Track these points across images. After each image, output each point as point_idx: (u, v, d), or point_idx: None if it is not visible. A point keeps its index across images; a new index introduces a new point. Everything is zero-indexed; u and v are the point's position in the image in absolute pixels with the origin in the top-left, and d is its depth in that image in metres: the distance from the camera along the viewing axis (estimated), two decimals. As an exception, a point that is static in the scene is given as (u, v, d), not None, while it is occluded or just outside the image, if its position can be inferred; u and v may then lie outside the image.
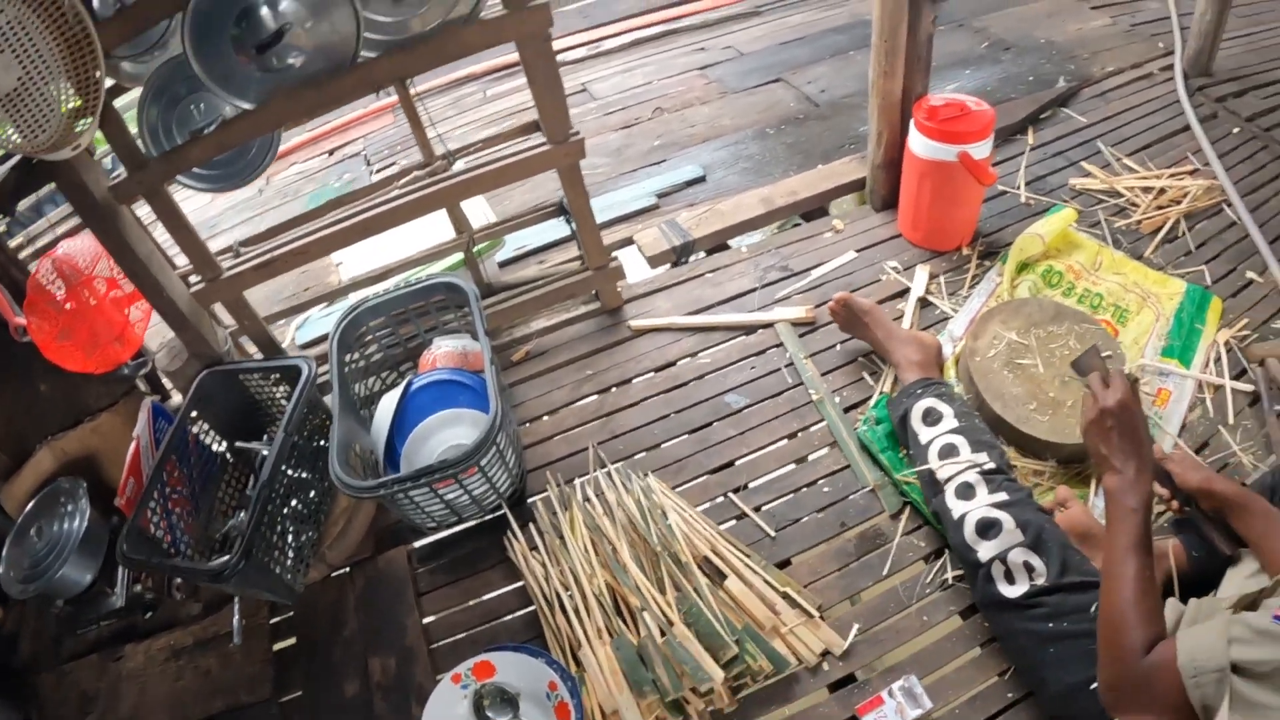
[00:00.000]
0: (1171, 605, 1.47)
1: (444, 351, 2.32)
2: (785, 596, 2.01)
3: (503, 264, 2.99)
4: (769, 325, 2.65)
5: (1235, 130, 3.85)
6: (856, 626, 1.97)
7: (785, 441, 2.39)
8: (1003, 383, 2.32)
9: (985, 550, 1.86)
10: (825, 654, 1.94)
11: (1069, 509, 2.05)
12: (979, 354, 2.38)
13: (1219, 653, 1.13)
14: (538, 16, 1.94)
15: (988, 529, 1.88)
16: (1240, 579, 1.55)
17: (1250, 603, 1.30)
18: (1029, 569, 1.79)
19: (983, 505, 1.92)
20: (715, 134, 3.72)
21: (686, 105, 3.99)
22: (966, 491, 1.97)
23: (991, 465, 2.00)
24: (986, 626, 1.94)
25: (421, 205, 2.23)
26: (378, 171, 3.93)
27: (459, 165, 2.40)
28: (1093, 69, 4.19)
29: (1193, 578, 1.77)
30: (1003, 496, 1.92)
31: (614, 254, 2.80)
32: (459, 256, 2.60)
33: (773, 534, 2.17)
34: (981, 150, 2.60)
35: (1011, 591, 1.80)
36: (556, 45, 4.46)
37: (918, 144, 2.65)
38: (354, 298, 2.51)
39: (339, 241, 2.24)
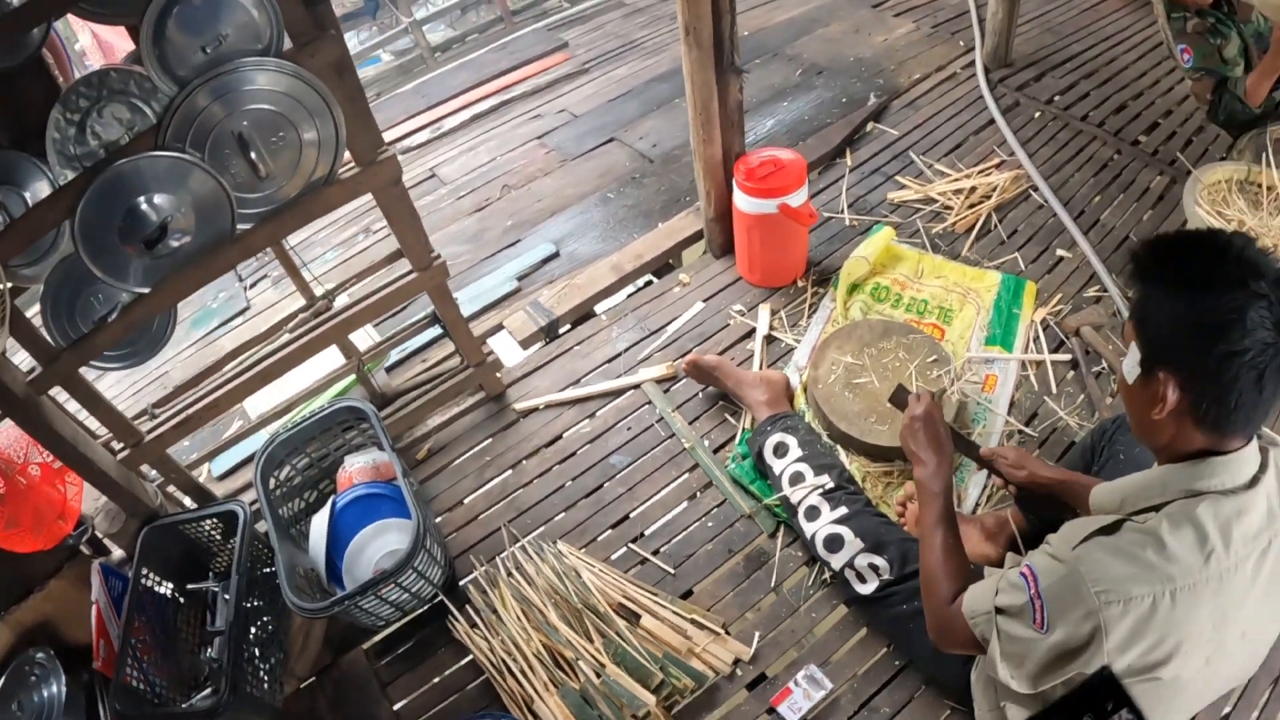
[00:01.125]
0: (1009, 559, 1.92)
1: (357, 468, 2.60)
2: (693, 622, 2.38)
3: (390, 368, 3.27)
4: (636, 386, 2.98)
5: (1036, 115, 4.35)
6: (758, 634, 2.36)
7: (669, 489, 2.74)
8: (845, 403, 2.72)
9: (836, 561, 2.31)
10: (737, 662, 2.32)
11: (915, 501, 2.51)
12: (820, 381, 2.77)
13: (987, 600, 1.51)
14: (388, 168, 2.23)
15: (833, 543, 2.32)
16: None
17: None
18: (875, 569, 2.23)
19: (827, 523, 2.35)
20: (561, 205, 3.97)
21: (531, 179, 4.19)
22: (813, 513, 2.39)
23: (831, 485, 2.41)
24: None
25: (313, 347, 2.49)
26: (251, 286, 4.12)
27: (340, 300, 2.73)
28: (900, 80, 4.59)
29: (1037, 535, 2.17)
30: (842, 511, 2.34)
31: (486, 341, 3.13)
32: (352, 377, 2.92)
33: (673, 571, 2.53)
34: (798, 198, 2.97)
35: (866, 589, 2.24)
36: (399, 130, 4.76)
37: (742, 201, 3.00)
38: (266, 431, 2.82)
39: (246, 391, 2.48)
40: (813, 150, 3.94)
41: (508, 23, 6.19)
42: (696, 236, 3.51)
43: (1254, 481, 1.32)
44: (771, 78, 4.75)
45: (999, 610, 1.47)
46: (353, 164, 2.26)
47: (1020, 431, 2.88)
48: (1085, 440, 2.33)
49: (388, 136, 4.73)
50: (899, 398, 2.35)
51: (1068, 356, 3.12)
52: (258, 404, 3.05)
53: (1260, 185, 3.27)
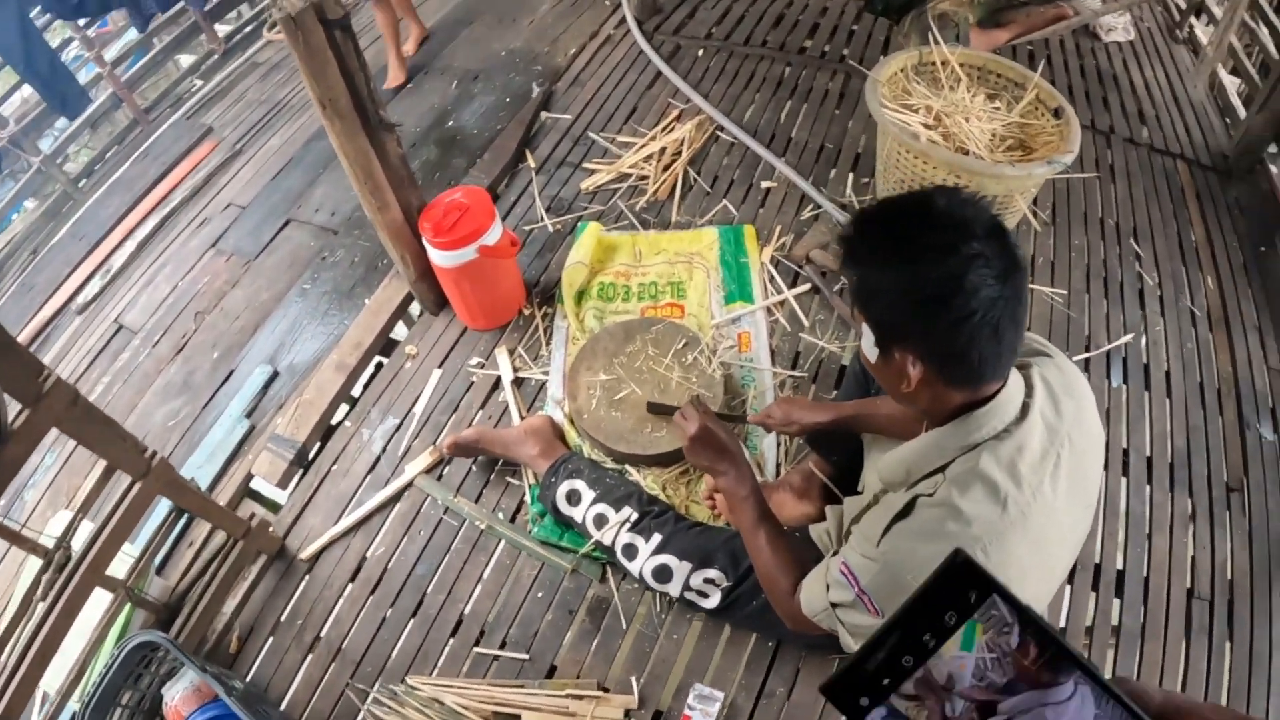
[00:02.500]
0: (831, 513, 1.99)
1: (180, 698, 2.28)
2: (571, 696, 2.28)
3: (160, 568, 3.00)
4: (409, 485, 2.80)
5: (700, 53, 4.40)
6: (634, 678, 2.31)
7: (486, 576, 2.60)
8: (615, 424, 2.64)
9: (673, 588, 2.27)
10: (628, 714, 2.26)
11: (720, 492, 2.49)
12: (584, 410, 2.68)
13: (822, 598, 1.52)
14: (58, 395, 1.93)
15: (662, 574, 2.27)
16: (873, 470, 1.86)
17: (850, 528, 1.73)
18: (711, 582, 2.20)
19: (648, 556, 2.29)
20: (260, 316, 3.67)
21: (220, 296, 3.87)
22: (630, 551, 2.33)
23: (636, 515, 2.35)
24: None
25: (76, 602, 2.16)
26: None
27: (78, 540, 2.44)
28: (558, 60, 4.54)
29: (843, 472, 2.29)
30: (658, 539, 2.30)
31: (244, 497, 2.94)
32: (128, 605, 2.64)
33: (527, 655, 2.41)
34: (494, 233, 2.84)
35: (711, 603, 2.23)
36: (68, 289, 4.37)
37: (440, 257, 2.85)
38: (72, 704, 2.54)
39: (33, 681, 2.23)
40: (492, 165, 3.78)
41: (143, 123, 5.77)
42: (408, 300, 3.32)
43: (1024, 410, 1.36)
44: (428, 99, 4.61)
45: (835, 605, 1.50)
46: (20, 408, 2.01)
47: (791, 376, 2.91)
48: (855, 366, 2.35)
49: (58, 300, 4.38)
50: (655, 407, 2.41)
51: (807, 286, 3.18)
52: (50, 681, 2.74)
53: (935, 64, 3.38)
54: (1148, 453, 2.85)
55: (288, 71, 5.37)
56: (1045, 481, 1.35)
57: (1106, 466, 2.43)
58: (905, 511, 1.40)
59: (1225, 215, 3.80)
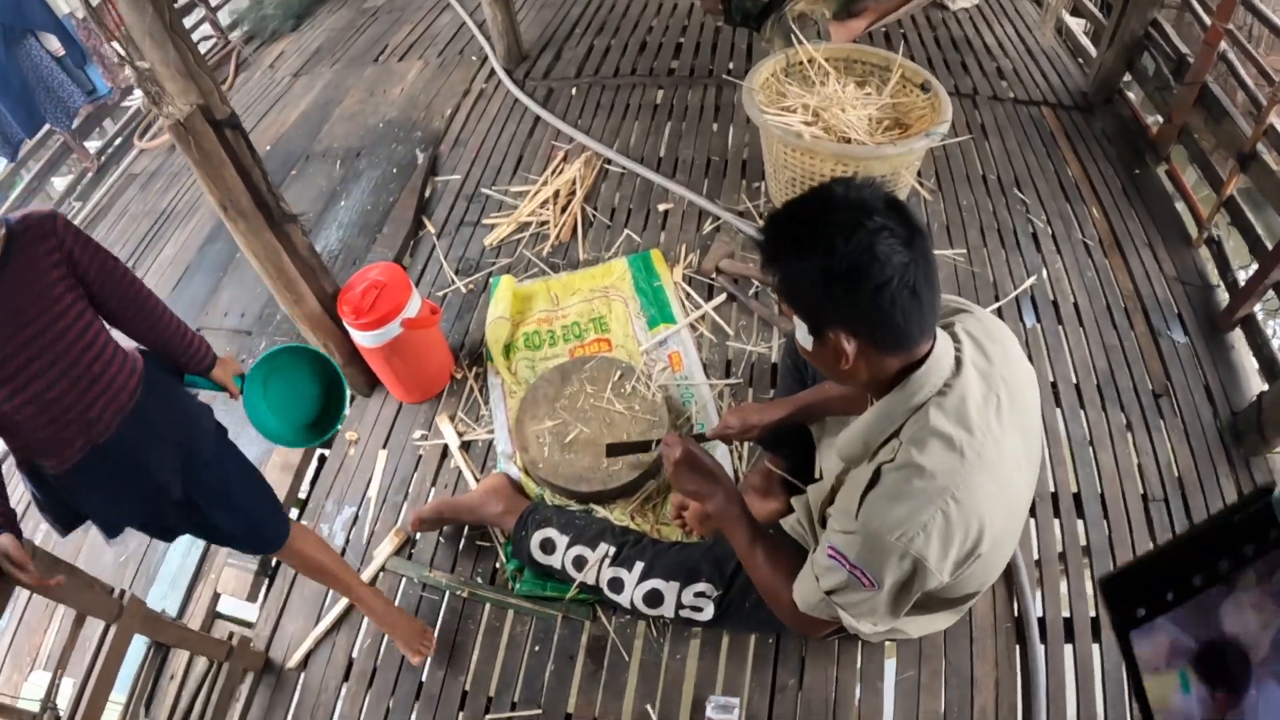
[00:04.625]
0: (797, 503, 2.07)
1: None
2: None
3: (149, 702, 2.91)
4: (382, 571, 2.78)
5: (574, 92, 4.48)
6: (649, 707, 2.34)
7: (479, 643, 2.57)
8: (571, 467, 2.68)
9: (666, 609, 2.30)
10: None
11: (687, 509, 2.56)
12: (539, 460, 2.71)
13: (815, 590, 1.59)
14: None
15: (653, 598, 2.30)
16: (829, 454, 1.90)
17: (822, 516, 1.81)
18: (703, 595, 2.24)
19: (634, 585, 2.33)
20: None
21: None
22: (616, 585, 2.36)
23: (614, 549, 2.39)
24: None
25: None
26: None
27: (62, 697, 2.34)
28: (435, 123, 4.57)
29: (798, 465, 2.34)
30: (640, 566, 2.33)
31: (218, 612, 2.89)
32: None
33: (539, 710, 2.41)
34: (414, 305, 2.86)
35: (707, 615, 2.26)
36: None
37: (363, 338, 2.85)
38: None
39: None
40: (393, 238, 3.79)
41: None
42: (341, 391, 3.32)
43: (957, 364, 1.45)
44: (315, 184, 4.56)
45: (830, 593, 1.56)
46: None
47: (728, 385, 2.99)
48: (785, 362, 2.41)
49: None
50: (619, 450, 2.43)
51: (723, 296, 3.27)
52: None
53: (803, 63, 3.50)
54: (1074, 380, 3.01)
55: (167, 178, 5.27)
56: (992, 421, 1.44)
57: (1041, 401, 2.57)
58: (873, 482, 1.45)
59: (1096, 147, 4.02)
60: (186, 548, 3.13)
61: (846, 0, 3.94)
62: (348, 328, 2.87)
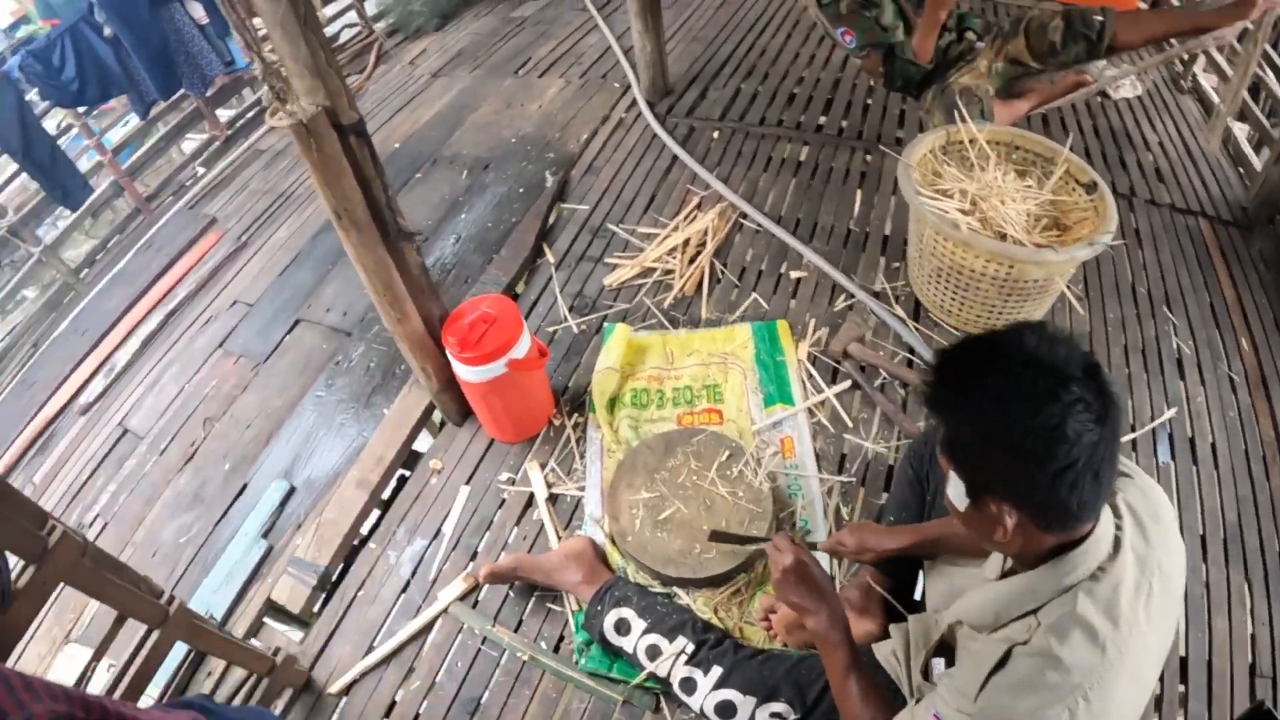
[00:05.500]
0: (895, 631, 1.90)
1: None
2: None
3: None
4: (444, 613, 2.63)
5: (715, 135, 4.32)
6: None
7: (530, 711, 2.41)
8: (662, 546, 2.50)
9: None
10: None
11: (776, 612, 2.35)
12: (629, 533, 2.54)
13: None
14: (64, 551, 1.74)
15: (726, 710, 2.11)
16: (936, 581, 1.86)
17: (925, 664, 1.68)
18: (778, 715, 2.05)
19: (707, 691, 2.14)
20: (274, 425, 3.50)
21: (230, 401, 3.72)
22: (688, 685, 2.18)
23: (692, 646, 2.21)
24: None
25: None
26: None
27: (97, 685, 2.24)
28: (570, 146, 4.44)
29: (899, 585, 2.20)
30: (718, 672, 2.15)
31: (264, 621, 2.76)
32: None
33: None
34: (523, 346, 2.72)
35: None
36: (70, 388, 4.21)
37: (466, 372, 2.72)
38: None
39: None
40: (510, 262, 3.67)
41: (145, 212, 5.66)
42: (430, 410, 3.19)
43: (1116, 545, 1.31)
44: (438, 190, 4.47)
45: None
46: (21, 564, 1.82)
47: (840, 481, 2.77)
48: (905, 471, 2.23)
49: (60, 399, 4.22)
50: (722, 538, 2.32)
51: (847, 383, 3.06)
52: None
53: (962, 142, 3.29)
54: (1200, 530, 2.74)
55: (292, 160, 5.25)
56: (1140, 614, 1.30)
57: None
58: (1001, 663, 1.32)
59: (1251, 271, 3.71)
60: (248, 546, 3.04)
61: (1009, 78, 3.73)
62: (450, 357, 2.73)
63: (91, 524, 3.41)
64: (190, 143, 6.54)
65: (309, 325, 3.88)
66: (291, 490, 3.20)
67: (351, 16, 6.39)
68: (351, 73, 5.98)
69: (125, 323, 4.52)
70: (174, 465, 3.48)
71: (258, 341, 3.93)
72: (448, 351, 2.72)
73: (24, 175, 5.35)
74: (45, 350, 4.70)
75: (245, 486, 3.29)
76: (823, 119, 4.45)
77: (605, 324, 3.36)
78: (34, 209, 5.43)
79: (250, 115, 6.29)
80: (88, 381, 4.26)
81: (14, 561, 1.64)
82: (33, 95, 5.03)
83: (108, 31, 4.99)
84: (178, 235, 5.02)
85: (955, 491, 1.31)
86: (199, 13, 5.40)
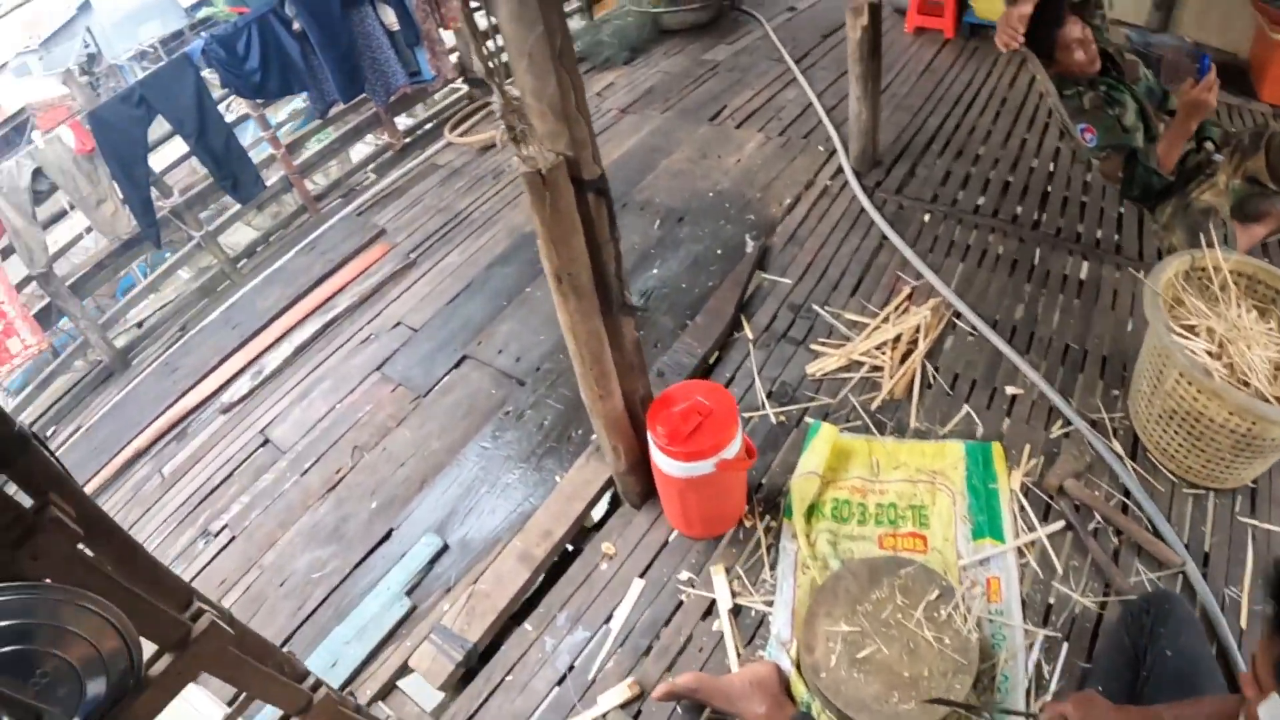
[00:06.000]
0: None
1: None
2: None
3: None
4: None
5: (926, 219, 4.07)
6: None
7: None
8: (856, 688, 2.27)
9: None
10: None
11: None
12: (823, 669, 2.32)
13: None
14: (210, 641, 1.51)
15: None
16: None
17: None
18: None
19: None
20: (430, 469, 3.32)
21: (383, 432, 3.56)
22: None
23: None
24: None
25: None
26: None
27: None
28: (771, 209, 4.24)
29: None
30: None
31: (396, 686, 2.62)
32: None
33: None
34: (735, 445, 2.52)
35: None
36: (214, 381, 4.13)
37: (668, 465, 2.53)
38: None
39: None
40: (706, 332, 3.50)
41: (312, 211, 5.65)
42: (607, 486, 3.01)
43: None
44: (628, 236, 4.26)
45: None
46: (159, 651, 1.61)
47: (1045, 635, 2.49)
48: (1121, 638, 2.06)
49: (202, 391, 4.17)
50: (942, 703, 2.14)
51: (1060, 523, 2.77)
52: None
53: (1206, 269, 2.96)
54: None
55: (470, 180, 5.18)
56: None
57: None
58: None
59: None
60: (389, 601, 2.88)
61: (1242, 198, 3.41)
62: (651, 443, 2.54)
63: (218, 533, 3.33)
64: (363, 148, 6.54)
65: (477, 365, 3.73)
66: (444, 548, 3.03)
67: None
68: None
69: (279, 324, 4.48)
70: (315, 490, 3.37)
71: (419, 372, 3.82)
72: (650, 436, 2.53)
73: (193, 159, 5.36)
74: (193, 336, 4.69)
75: (391, 532, 3.14)
76: (1039, 215, 4.16)
77: (808, 419, 3.15)
78: (200, 193, 5.44)
79: (428, 126, 6.25)
80: (233, 379, 4.22)
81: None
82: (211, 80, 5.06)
83: (296, 26, 5.01)
84: (343, 241, 4.98)
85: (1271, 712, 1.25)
86: (390, 18, 5.38)
